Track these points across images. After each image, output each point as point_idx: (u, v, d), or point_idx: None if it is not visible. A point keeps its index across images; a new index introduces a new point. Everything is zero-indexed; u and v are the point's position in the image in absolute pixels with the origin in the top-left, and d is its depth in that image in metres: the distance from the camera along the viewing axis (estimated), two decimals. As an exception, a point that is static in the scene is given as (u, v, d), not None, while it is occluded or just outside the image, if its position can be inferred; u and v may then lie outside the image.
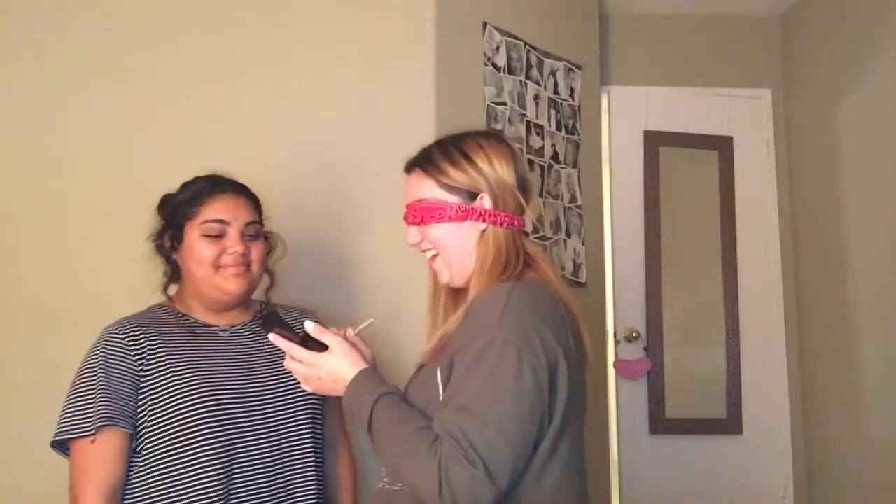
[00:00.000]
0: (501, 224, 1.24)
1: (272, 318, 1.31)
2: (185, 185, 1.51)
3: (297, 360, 1.24)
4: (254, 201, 1.53)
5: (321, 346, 1.24)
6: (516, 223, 1.26)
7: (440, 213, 1.25)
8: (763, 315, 3.39)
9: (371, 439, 1.16)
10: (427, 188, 1.27)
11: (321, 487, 1.49)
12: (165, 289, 1.52)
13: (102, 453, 1.34)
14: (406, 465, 1.10)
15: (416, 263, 2.04)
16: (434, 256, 1.29)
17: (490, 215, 1.24)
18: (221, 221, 1.45)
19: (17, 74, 2.07)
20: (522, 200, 1.27)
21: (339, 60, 2.15)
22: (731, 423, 3.29)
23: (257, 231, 1.50)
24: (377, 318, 1.36)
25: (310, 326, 1.24)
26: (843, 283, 3.05)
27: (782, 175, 3.49)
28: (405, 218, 1.31)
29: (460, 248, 1.26)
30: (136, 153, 2.05)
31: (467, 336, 1.14)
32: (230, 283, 1.44)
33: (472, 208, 1.25)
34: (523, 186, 1.28)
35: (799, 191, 3.42)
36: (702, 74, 3.53)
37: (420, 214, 1.27)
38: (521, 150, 2.57)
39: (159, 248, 1.51)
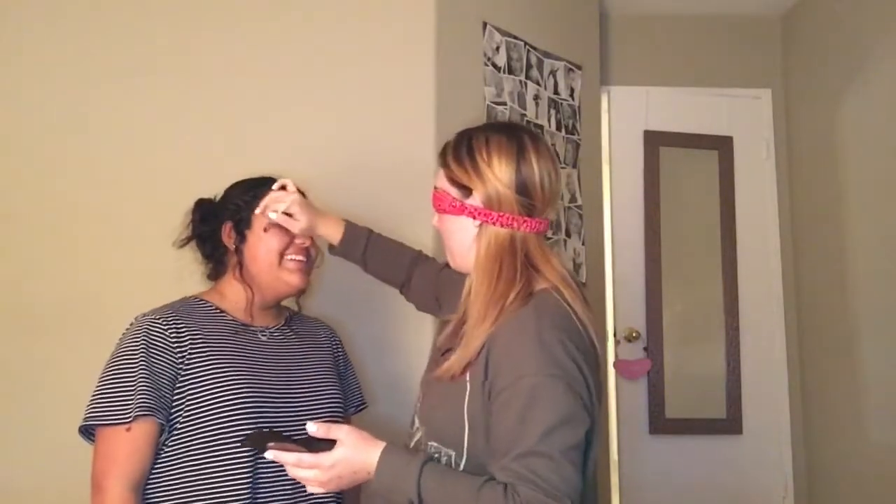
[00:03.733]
0: (495, 223, 1.23)
1: (258, 437, 1.19)
2: (244, 183, 1.55)
3: (309, 467, 1.13)
4: None
5: (328, 444, 1.14)
6: (515, 224, 1.23)
7: (440, 204, 1.30)
8: (763, 315, 3.39)
9: None
10: (440, 178, 1.31)
11: (339, 494, 1.49)
12: (216, 277, 1.54)
13: (134, 443, 1.31)
14: None
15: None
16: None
17: (481, 213, 1.24)
18: (290, 214, 1.49)
19: (22, 73, 2.07)
20: (522, 202, 1.23)
21: (339, 60, 2.15)
22: (731, 423, 3.29)
23: None
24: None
25: (313, 429, 1.13)
26: (843, 283, 3.05)
27: (782, 175, 3.49)
28: None
29: (459, 240, 1.28)
30: (138, 155, 2.05)
31: (506, 375, 1.13)
32: (294, 277, 1.49)
33: (465, 205, 1.26)
34: (524, 189, 1.23)
35: (799, 191, 3.42)
36: (702, 74, 3.53)
37: (433, 202, 1.32)
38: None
39: (209, 246, 1.53)
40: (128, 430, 1.31)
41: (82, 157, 2.04)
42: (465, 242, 1.27)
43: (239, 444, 1.33)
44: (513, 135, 1.27)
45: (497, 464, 1.11)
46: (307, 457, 1.13)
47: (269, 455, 1.14)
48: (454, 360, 1.20)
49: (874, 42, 2.93)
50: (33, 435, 1.89)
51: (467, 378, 1.19)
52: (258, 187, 1.52)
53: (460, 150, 1.27)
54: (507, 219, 1.23)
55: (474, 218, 1.24)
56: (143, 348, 1.36)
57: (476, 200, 1.25)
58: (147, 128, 2.07)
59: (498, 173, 1.23)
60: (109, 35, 2.10)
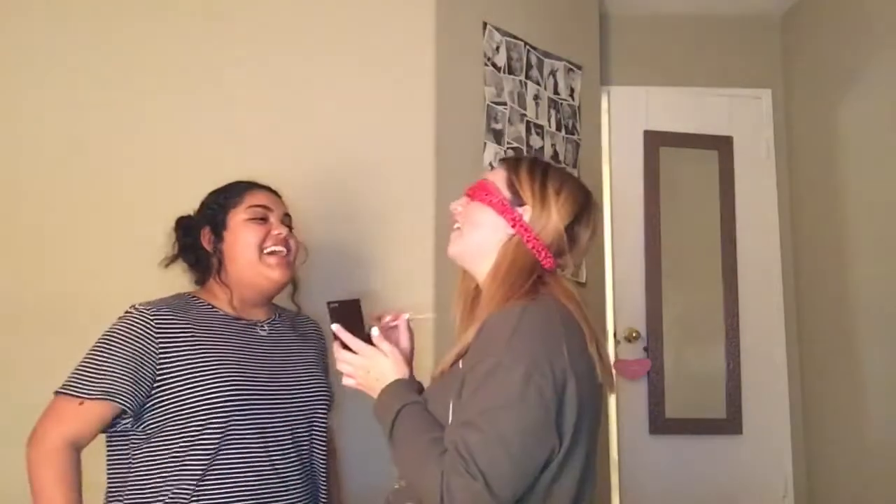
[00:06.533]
0: (528, 242, 1.26)
1: (341, 307, 1.31)
2: (218, 189, 1.58)
3: (358, 351, 1.27)
4: (281, 200, 1.62)
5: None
6: (543, 255, 1.27)
7: (486, 195, 1.31)
8: (763, 315, 3.39)
9: (391, 445, 1.20)
10: (498, 176, 1.33)
11: (315, 486, 1.53)
12: (202, 282, 1.57)
13: (80, 415, 1.36)
14: (416, 473, 1.15)
15: (421, 262, 2.05)
16: (458, 228, 1.35)
17: (522, 226, 1.27)
18: (265, 207, 1.53)
19: (24, 73, 2.07)
20: (561, 243, 1.27)
21: (339, 60, 2.15)
22: (731, 423, 3.29)
23: (291, 224, 1.59)
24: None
25: (375, 333, 1.28)
26: (843, 283, 3.05)
27: (782, 175, 3.49)
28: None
29: (486, 236, 1.30)
30: (135, 157, 2.06)
31: (478, 356, 1.16)
32: (274, 272, 1.51)
33: (513, 210, 1.28)
34: (572, 238, 1.29)
35: (799, 191, 3.42)
36: (702, 74, 3.53)
37: (476, 190, 1.33)
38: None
39: (193, 254, 1.56)
40: (80, 403, 1.36)
41: (77, 159, 2.04)
42: (488, 241, 1.29)
43: (218, 439, 1.38)
44: (586, 191, 1.34)
45: (448, 427, 1.15)
46: (362, 344, 1.27)
47: (334, 328, 1.27)
48: (449, 354, 1.27)
49: (874, 42, 2.93)
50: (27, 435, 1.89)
51: (460, 365, 1.22)
52: (230, 189, 1.56)
53: (535, 169, 1.32)
54: (540, 246, 1.27)
55: (514, 226, 1.27)
56: (122, 335, 1.40)
57: (524, 214, 1.28)
58: (145, 130, 2.07)
59: (559, 207, 1.28)
60: (109, 38, 2.10)
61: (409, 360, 1.41)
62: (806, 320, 3.34)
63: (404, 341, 1.40)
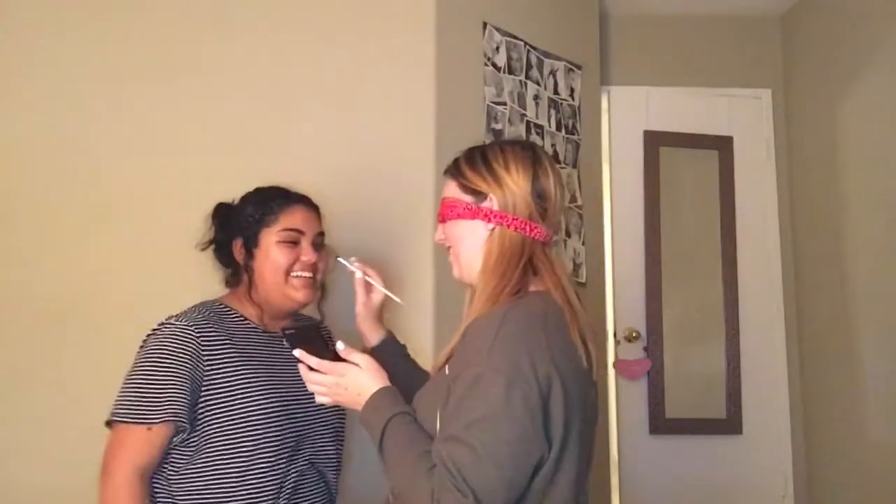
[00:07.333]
0: (509, 226, 1.26)
1: (299, 332, 1.31)
2: (257, 196, 1.57)
3: (327, 371, 1.26)
4: (318, 213, 1.60)
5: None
6: (528, 229, 1.26)
7: (452, 210, 1.32)
8: (763, 315, 3.39)
9: (381, 457, 1.19)
10: (451, 189, 1.34)
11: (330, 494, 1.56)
12: (233, 286, 1.58)
13: (150, 441, 1.38)
14: (407, 488, 1.15)
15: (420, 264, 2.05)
16: (449, 249, 1.36)
17: (496, 216, 1.27)
18: (298, 231, 1.53)
19: (28, 74, 2.07)
20: (537, 207, 1.27)
21: (339, 60, 2.15)
22: (731, 423, 3.29)
23: (322, 242, 1.59)
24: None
25: (340, 347, 1.27)
26: (843, 283, 3.05)
27: (782, 175, 3.49)
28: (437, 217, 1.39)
29: (469, 245, 1.30)
30: (144, 156, 2.06)
31: (461, 364, 1.17)
32: (299, 293, 1.52)
33: (480, 208, 1.28)
34: (540, 196, 1.28)
35: (799, 191, 3.42)
36: (702, 74, 3.53)
37: (442, 212, 1.35)
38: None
39: (225, 254, 1.56)
40: (149, 429, 1.37)
41: (89, 159, 2.05)
42: (475, 247, 1.29)
43: (269, 454, 1.41)
44: (526, 146, 1.33)
45: (435, 441, 1.15)
46: (328, 363, 1.26)
47: (297, 353, 1.26)
48: (440, 356, 1.26)
49: (874, 42, 2.93)
50: (43, 432, 1.90)
51: (446, 370, 1.22)
52: (268, 203, 1.54)
53: (474, 160, 1.32)
54: (521, 223, 1.27)
55: (489, 221, 1.27)
56: (171, 353, 1.41)
57: (492, 204, 1.28)
58: (148, 130, 2.07)
59: (516, 178, 1.28)
60: (110, 37, 2.10)
61: (378, 312, 1.51)
62: (806, 320, 3.34)
63: (377, 297, 1.51)
